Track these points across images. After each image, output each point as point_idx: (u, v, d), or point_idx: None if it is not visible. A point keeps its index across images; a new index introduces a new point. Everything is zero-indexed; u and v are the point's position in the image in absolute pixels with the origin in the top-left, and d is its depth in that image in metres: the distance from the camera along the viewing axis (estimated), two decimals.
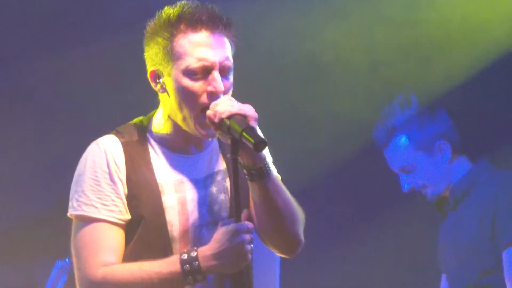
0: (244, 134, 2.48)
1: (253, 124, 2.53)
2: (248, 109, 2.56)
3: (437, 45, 4.66)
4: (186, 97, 2.62)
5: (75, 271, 2.65)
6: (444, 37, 4.64)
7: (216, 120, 2.53)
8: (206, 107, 2.60)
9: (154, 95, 2.76)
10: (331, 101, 4.65)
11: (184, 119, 2.65)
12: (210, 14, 2.64)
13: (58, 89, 4.91)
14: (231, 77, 2.67)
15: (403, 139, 3.91)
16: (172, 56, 2.63)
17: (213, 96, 2.61)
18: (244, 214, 2.60)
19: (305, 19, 4.58)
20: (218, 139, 2.75)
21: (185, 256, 2.54)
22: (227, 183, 2.73)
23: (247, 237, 2.52)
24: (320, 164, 4.66)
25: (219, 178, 2.73)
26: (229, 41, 2.68)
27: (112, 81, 4.81)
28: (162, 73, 2.66)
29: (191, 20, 2.63)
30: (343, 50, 4.71)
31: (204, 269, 2.52)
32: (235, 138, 2.50)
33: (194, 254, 2.53)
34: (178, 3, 2.68)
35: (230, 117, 2.51)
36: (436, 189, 3.90)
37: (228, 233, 2.52)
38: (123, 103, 4.49)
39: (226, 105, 2.54)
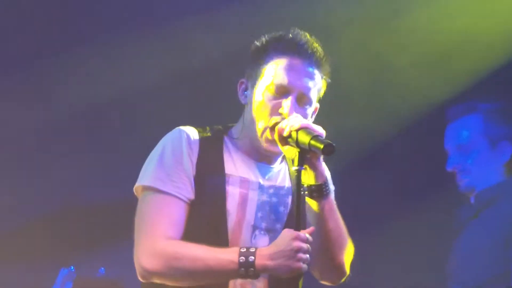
0: (313, 141, 2.59)
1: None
2: (317, 126, 2.68)
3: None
4: (260, 110, 2.77)
5: (135, 242, 2.72)
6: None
7: (285, 133, 2.66)
8: (273, 127, 2.74)
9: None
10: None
11: (256, 130, 2.78)
12: (307, 44, 2.78)
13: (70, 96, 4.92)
14: (308, 109, 2.79)
15: (478, 121, 3.90)
16: (262, 71, 2.79)
17: (283, 117, 2.74)
18: (309, 230, 2.63)
19: None
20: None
21: (244, 249, 2.62)
22: (289, 200, 2.83)
23: (304, 245, 2.58)
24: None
25: (282, 192, 2.84)
26: (320, 76, 2.81)
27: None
28: (249, 85, 2.84)
29: (289, 44, 2.79)
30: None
31: (258, 266, 2.58)
32: (303, 150, 2.62)
33: (252, 250, 2.61)
34: (291, 29, 2.83)
35: (299, 129, 2.63)
36: (475, 182, 3.89)
37: (287, 237, 2.59)
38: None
39: (296, 120, 2.67)
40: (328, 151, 2.57)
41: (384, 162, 4.53)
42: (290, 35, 2.80)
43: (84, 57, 4.84)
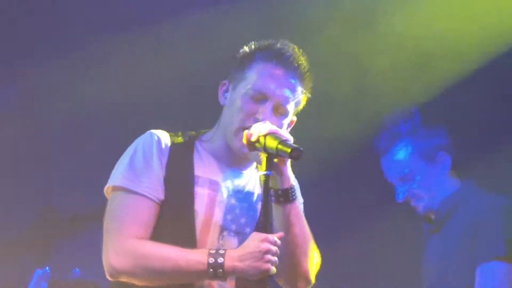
0: (280, 146, 2.60)
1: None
2: (284, 131, 2.72)
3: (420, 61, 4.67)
4: (236, 113, 2.78)
5: (104, 241, 2.73)
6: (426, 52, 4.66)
7: (254, 137, 2.66)
8: (246, 128, 2.75)
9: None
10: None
11: (229, 133, 2.80)
12: (293, 56, 2.80)
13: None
14: (284, 120, 2.80)
15: (407, 146, 3.90)
16: (245, 75, 2.81)
17: (257, 122, 2.75)
18: (278, 234, 2.67)
19: None
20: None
21: (213, 251, 2.64)
22: (259, 205, 2.85)
23: (273, 248, 2.60)
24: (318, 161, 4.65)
25: (253, 198, 2.86)
26: (301, 90, 2.83)
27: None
28: (231, 88, 2.86)
29: (275, 52, 2.80)
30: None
31: (226, 267, 2.60)
32: (270, 154, 2.63)
33: (222, 251, 2.63)
34: (280, 40, 2.85)
35: (266, 135, 2.65)
36: (431, 202, 3.88)
37: (256, 239, 2.61)
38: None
39: (264, 125, 2.68)
40: (295, 155, 2.59)
41: (363, 166, 4.52)
42: (279, 44, 2.82)
43: (71, 63, 4.83)
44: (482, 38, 4.51)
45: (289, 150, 2.58)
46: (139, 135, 2.86)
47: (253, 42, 2.86)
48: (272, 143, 2.61)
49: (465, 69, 4.59)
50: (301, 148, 2.59)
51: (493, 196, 3.83)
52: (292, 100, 2.80)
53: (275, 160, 2.66)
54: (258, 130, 2.66)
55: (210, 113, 2.97)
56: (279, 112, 2.79)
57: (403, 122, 3.93)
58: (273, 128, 2.66)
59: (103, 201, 2.95)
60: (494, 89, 4.67)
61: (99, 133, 4.97)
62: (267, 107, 2.76)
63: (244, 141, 2.70)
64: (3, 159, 4.93)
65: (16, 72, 4.90)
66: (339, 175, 4.93)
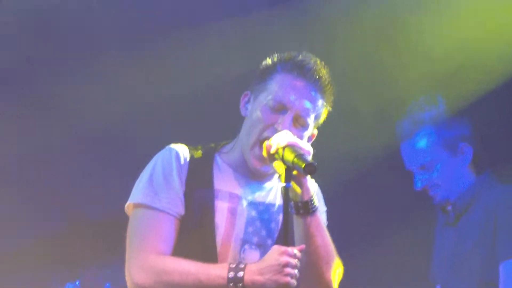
0: (296, 160, 2.61)
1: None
2: (304, 143, 2.72)
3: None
4: (256, 123, 2.82)
5: (127, 257, 2.78)
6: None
7: (272, 149, 2.68)
8: (264, 140, 2.77)
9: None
10: None
11: (245, 145, 2.82)
12: (315, 68, 2.82)
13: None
14: (304, 132, 2.81)
15: (430, 134, 3.89)
16: (265, 86, 2.84)
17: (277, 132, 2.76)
18: (299, 247, 2.66)
19: None
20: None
21: (233, 265, 2.66)
22: (280, 217, 2.86)
23: (292, 261, 2.61)
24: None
25: (273, 209, 2.88)
26: (322, 103, 2.83)
27: None
28: (252, 99, 2.88)
29: (297, 64, 2.83)
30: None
31: (247, 281, 2.63)
32: (288, 167, 2.63)
33: (242, 265, 2.66)
34: (302, 52, 2.87)
35: (285, 147, 2.65)
36: (448, 192, 3.87)
37: (275, 252, 2.62)
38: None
39: (283, 137, 2.69)
40: (309, 171, 2.59)
41: (387, 179, 4.51)
42: (300, 56, 2.84)
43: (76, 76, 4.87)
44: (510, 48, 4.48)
45: (303, 165, 2.59)
46: (163, 148, 2.89)
47: (275, 54, 2.88)
48: (289, 156, 2.62)
49: (493, 80, 4.56)
50: (316, 163, 2.59)
51: (509, 187, 3.81)
52: (312, 113, 2.82)
53: (294, 172, 2.66)
54: (277, 141, 2.67)
55: (232, 125, 2.97)
56: (299, 123, 2.80)
57: (428, 109, 3.92)
58: (293, 140, 2.67)
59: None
60: None
61: (127, 145, 4.99)
62: (286, 118, 2.77)
63: (264, 153, 2.72)
64: (30, 167, 4.96)
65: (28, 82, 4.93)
66: (363, 188, 4.92)
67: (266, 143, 2.71)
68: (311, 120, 2.82)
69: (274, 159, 2.69)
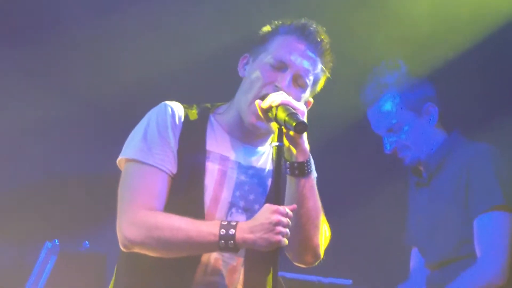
0: (287, 118, 2.59)
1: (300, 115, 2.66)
2: (298, 103, 2.69)
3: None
4: (255, 81, 2.79)
5: (118, 212, 2.76)
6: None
7: (265, 105, 2.68)
8: (263, 96, 2.75)
9: None
10: None
11: (243, 102, 2.80)
12: (316, 32, 2.83)
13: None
14: (302, 94, 2.81)
15: (394, 96, 3.93)
16: (266, 47, 2.83)
17: (276, 89, 2.76)
18: (291, 206, 2.64)
19: None
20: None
21: (225, 222, 2.64)
22: (269, 182, 2.84)
23: (284, 219, 2.59)
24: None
25: (263, 174, 2.86)
26: (321, 67, 2.84)
27: None
28: (251, 60, 2.87)
29: (298, 27, 2.83)
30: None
31: (238, 238, 2.61)
32: (280, 125, 2.63)
33: (233, 223, 2.64)
34: (304, 18, 2.88)
35: (279, 105, 2.64)
36: (417, 153, 3.92)
37: (267, 211, 2.61)
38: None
39: (279, 95, 2.69)
40: (299, 129, 2.58)
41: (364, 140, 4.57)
42: (303, 20, 2.86)
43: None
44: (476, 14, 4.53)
45: (293, 124, 2.58)
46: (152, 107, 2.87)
47: (276, 21, 2.89)
48: (281, 115, 2.61)
49: (461, 44, 4.62)
50: (306, 122, 2.59)
51: (480, 144, 3.86)
52: (312, 74, 2.82)
53: (291, 133, 2.65)
54: (271, 99, 2.67)
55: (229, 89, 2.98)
56: (298, 83, 2.80)
57: (390, 73, 3.97)
58: (287, 99, 2.66)
59: (112, 172, 3.01)
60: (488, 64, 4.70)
61: (113, 108, 5.03)
62: (286, 76, 2.77)
63: (258, 110, 2.70)
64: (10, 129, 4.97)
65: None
66: (337, 150, 4.98)
67: (257, 101, 2.72)
68: (310, 82, 2.82)
69: (268, 118, 2.69)
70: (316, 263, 2.86)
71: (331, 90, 2.75)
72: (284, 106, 2.64)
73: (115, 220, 2.81)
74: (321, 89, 2.93)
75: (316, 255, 2.83)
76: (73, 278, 4.73)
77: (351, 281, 4.46)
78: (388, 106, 3.95)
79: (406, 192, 4.15)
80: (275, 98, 2.66)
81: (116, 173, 2.91)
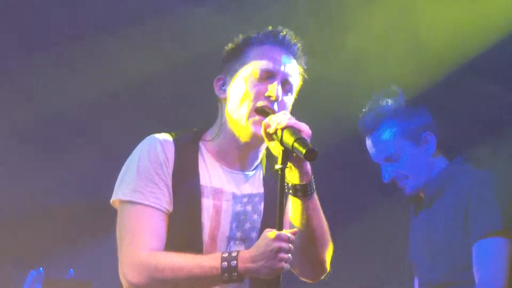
0: (296, 144, 2.53)
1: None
2: (303, 125, 2.62)
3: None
4: (244, 97, 2.76)
5: (119, 256, 2.71)
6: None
7: (272, 129, 2.62)
8: (261, 108, 2.72)
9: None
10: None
11: (239, 118, 2.76)
12: (287, 36, 2.82)
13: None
14: (290, 97, 2.80)
15: (392, 126, 3.89)
16: (243, 61, 2.80)
17: (270, 100, 2.74)
18: (292, 231, 2.60)
19: None
20: (266, 166, 2.86)
21: (226, 254, 2.61)
22: (262, 206, 2.82)
23: (285, 245, 2.55)
24: None
25: (256, 199, 2.84)
26: (297, 69, 2.83)
27: None
28: (228, 80, 2.84)
29: (269, 34, 2.82)
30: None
31: (240, 269, 2.58)
32: (286, 149, 2.57)
33: (234, 254, 2.61)
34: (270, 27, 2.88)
35: (285, 128, 2.58)
36: (417, 182, 3.88)
37: (267, 238, 2.56)
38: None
39: (283, 117, 2.63)
40: (310, 157, 2.52)
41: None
42: (270, 27, 2.84)
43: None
44: (477, 29, 4.54)
45: (304, 151, 2.51)
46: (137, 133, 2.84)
47: (240, 35, 2.86)
48: (288, 139, 2.55)
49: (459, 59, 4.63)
50: (316, 150, 2.52)
51: (481, 171, 3.84)
52: (294, 77, 2.81)
53: (295, 154, 2.59)
54: (277, 121, 2.61)
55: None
56: (285, 89, 2.78)
57: (388, 101, 3.94)
58: (292, 121, 2.61)
59: (97, 201, 2.98)
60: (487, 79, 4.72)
61: (99, 134, 5.01)
62: (276, 84, 2.74)
63: (263, 132, 2.65)
64: None
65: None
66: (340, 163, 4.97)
67: (264, 122, 2.64)
68: (294, 85, 2.81)
69: (272, 139, 2.62)
70: (323, 277, 2.84)
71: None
72: (291, 128, 2.59)
73: (100, 248, 2.80)
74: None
75: (324, 269, 2.81)
76: None
77: None
78: (386, 135, 3.91)
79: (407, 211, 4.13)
80: (280, 120, 2.61)
81: (101, 201, 2.89)
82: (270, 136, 2.62)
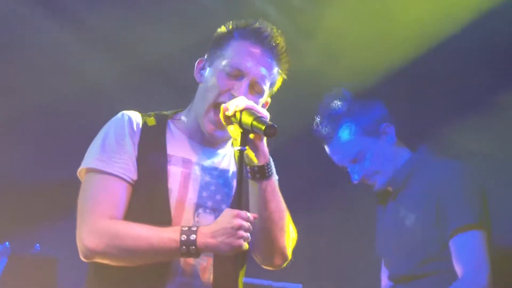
0: (255, 122, 2.58)
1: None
2: (261, 108, 2.68)
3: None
4: (211, 89, 2.80)
5: (78, 222, 2.72)
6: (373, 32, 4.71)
7: (230, 112, 2.64)
8: (218, 104, 2.74)
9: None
10: None
11: (200, 111, 2.81)
12: (271, 36, 2.83)
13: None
14: (259, 99, 2.82)
15: (350, 125, 3.90)
16: (222, 53, 2.82)
17: (233, 98, 2.74)
18: (252, 215, 2.63)
19: None
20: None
21: (186, 228, 2.63)
22: (234, 182, 2.83)
23: (245, 224, 2.59)
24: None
25: (228, 175, 2.87)
26: (277, 71, 2.85)
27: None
28: (207, 65, 2.87)
29: (253, 31, 2.82)
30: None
31: (199, 244, 2.60)
32: (245, 130, 2.62)
33: (194, 228, 2.63)
34: (260, 20, 2.87)
35: (243, 110, 2.62)
36: (385, 175, 3.90)
37: (228, 215, 2.60)
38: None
39: (241, 100, 2.66)
40: (270, 133, 2.56)
41: None
42: (257, 24, 2.85)
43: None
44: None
45: (263, 127, 2.56)
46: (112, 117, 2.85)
47: (231, 22, 2.88)
48: (247, 119, 2.60)
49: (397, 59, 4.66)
50: (276, 126, 2.57)
51: (450, 161, 3.86)
52: (268, 80, 2.82)
53: (251, 136, 2.65)
54: (235, 104, 2.65)
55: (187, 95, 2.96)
56: (255, 90, 2.80)
57: (338, 104, 3.94)
58: (250, 103, 2.65)
59: (65, 177, 2.99)
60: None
61: (66, 115, 4.99)
62: (243, 84, 2.78)
63: (221, 115, 2.68)
64: None
65: None
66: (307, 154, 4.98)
67: (223, 105, 2.68)
68: (266, 87, 2.83)
69: (231, 123, 2.66)
70: (285, 265, 2.87)
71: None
72: (249, 110, 2.63)
73: (66, 224, 2.81)
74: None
75: (284, 256, 2.83)
76: (24, 280, 4.69)
77: (301, 285, 4.48)
78: (346, 136, 3.92)
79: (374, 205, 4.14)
80: (238, 103, 2.65)
81: (69, 177, 2.91)
82: (228, 120, 2.67)
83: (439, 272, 3.73)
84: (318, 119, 3.97)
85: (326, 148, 3.99)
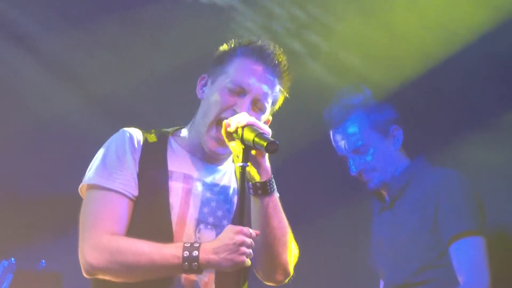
0: (257, 138, 2.59)
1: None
2: (263, 124, 2.70)
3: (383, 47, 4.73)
4: (214, 105, 2.82)
5: (80, 238, 2.73)
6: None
7: (232, 128, 2.66)
8: (221, 121, 2.75)
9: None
10: None
11: (202, 127, 2.83)
12: (274, 54, 2.85)
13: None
14: (261, 116, 2.83)
15: (361, 117, 3.92)
16: (224, 70, 2.85)
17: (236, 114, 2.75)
18: (254, 231, 2.64)
19: None
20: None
21: (188, 244, 2.64)
22: (235, 199, 2.86)
23: (248, 240, 2.60)
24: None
25: (229, 191, 2.89)
26: (279, 89, 2.87)
27: None
28: (209, 82, 2.89)
29: (256, 49, 2.85)
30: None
31: (201, 260, 2.61)
32: (247, 146, 2.63)
33: (196, 244, 2.64)
34: (262, 38, 2.91)
35: (245, 126, 2.64)
36: (383, 175, 3.91)
37: (230, 232, 2.61)
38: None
39: (243, 116, 2.68)
40: (271, 149, 2.57)
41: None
42: (260, 42, 2.88)
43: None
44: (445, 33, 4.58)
45: (265, 144, 2.57)
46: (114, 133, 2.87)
47: (233, 39, 2.91)
48: (249, 135, 2.61)
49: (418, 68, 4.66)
50: (277, 142, 2.58)
51: (447, 170, 3.87)
52: (270, 97, 2.85)
53: (253, 152, 2.65)
54: (237, 120, 2.66)
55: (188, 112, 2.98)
56: (257, 107, 2.83)
57: (355, 95, 3.98)
58: (252, 120, 2.67)
59: (70, 192, 3.00)
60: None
61: (74, 129, 5.01)
62: (245, 101, 2.80)
63: (223, 131, 2.70)
64: None
65: None
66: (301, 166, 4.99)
67: (225, 121, 2.69)
68: (268, 105, 2.85)
69: (233, 139, 2.67)
70: (286, 281, 2.87)
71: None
72: (251, 126, 2.64)
73: (72, 240, 2.80)
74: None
75: (286, 272, 2.84)
76: None
77: None
78: (354, 127, 3.94)
79: (370, 215, 4.13)
80: (240, 119, 2.66)
81: (74, 193, 2.90)
82: (230, 136, 2.68)
83: (436, 280, 3.72)
84: (332, 103, 3.99)
85: (331, 135, 4.00)
